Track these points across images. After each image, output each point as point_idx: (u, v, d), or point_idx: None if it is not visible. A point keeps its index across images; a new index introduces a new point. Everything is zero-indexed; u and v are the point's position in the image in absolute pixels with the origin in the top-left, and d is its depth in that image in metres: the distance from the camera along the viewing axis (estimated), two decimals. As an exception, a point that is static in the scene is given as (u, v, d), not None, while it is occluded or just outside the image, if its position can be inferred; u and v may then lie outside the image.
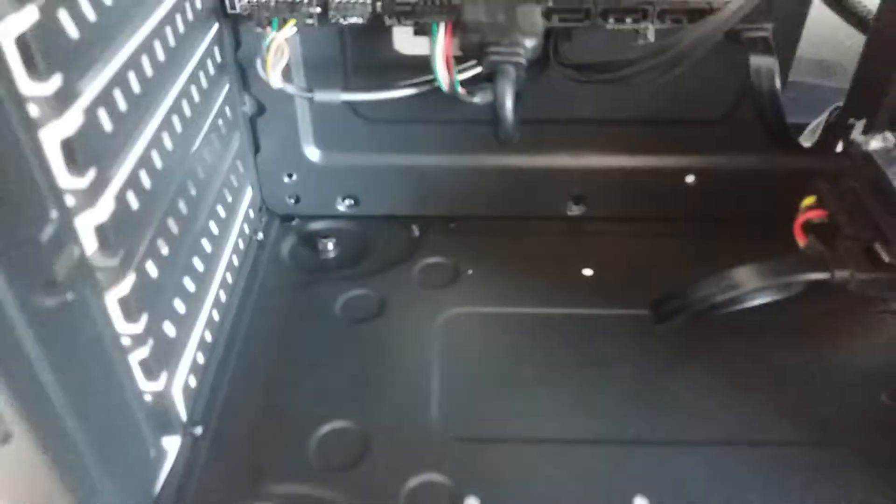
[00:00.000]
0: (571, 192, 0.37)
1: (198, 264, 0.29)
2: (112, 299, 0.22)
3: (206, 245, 0.30)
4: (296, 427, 0.27)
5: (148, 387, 0.24)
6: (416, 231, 0.38)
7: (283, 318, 0.33)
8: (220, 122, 0.32)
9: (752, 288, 0.25)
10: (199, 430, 0.27)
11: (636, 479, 0.25)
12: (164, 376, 0.25)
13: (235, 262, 0.34)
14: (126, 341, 0.23)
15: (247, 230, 0.36)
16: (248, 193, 0.36)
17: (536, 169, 0.37)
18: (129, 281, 0.22)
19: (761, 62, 0.30)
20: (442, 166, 0.37)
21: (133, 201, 0.23)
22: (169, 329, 0.26)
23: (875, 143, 0.25)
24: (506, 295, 0.34)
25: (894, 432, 0.27)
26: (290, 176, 0.37)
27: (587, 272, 0.34)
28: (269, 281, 0.35)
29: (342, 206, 0.38)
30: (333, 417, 0.28)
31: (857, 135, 0.27)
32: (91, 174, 0.20)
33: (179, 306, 0.27)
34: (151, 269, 0.24)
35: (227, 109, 0.33)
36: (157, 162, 0.25)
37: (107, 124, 0.22)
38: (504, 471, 0.26)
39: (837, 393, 0.28)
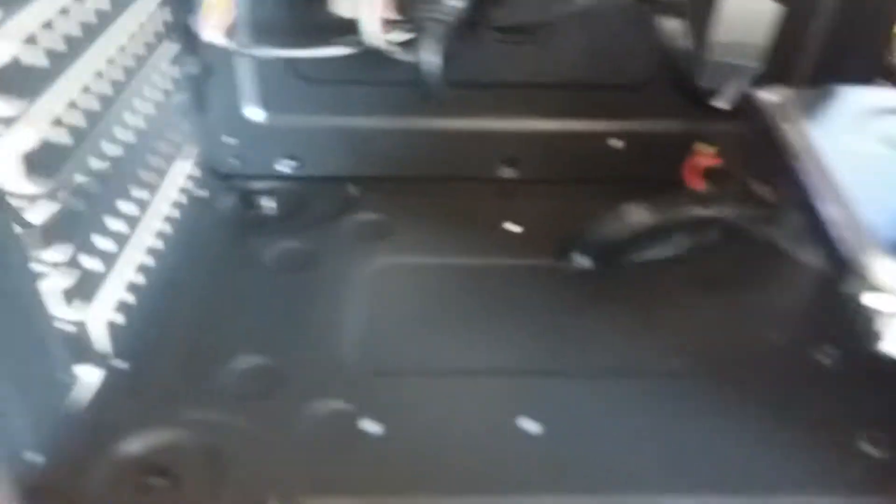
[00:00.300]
0: (503, 154, 0.39)
1: (128, 208, 0.30)
2: (29, 221, 0.23)
3: (139, 192, 0.31)
4: (216, 363, 0.29)
5: (63, 313, 0.25)
6: (352, 190, 0.39)
7: (217, 267, 0.34)
8: (164, 79, 0.33)
9: (641, 222, 0.27)
10: (123, 365, 0.28)
11: (528, 404, 0.27)
12: (80, 306, 0.26)
13: (176, 214, 0.35)
14: (40, 266, 0.24)
15: (190, 186, 0.37)
16: (192, 151, 0.37)
17: (469, 132, 0.38)
18: (49, 209, 0.24)
19: (673, 25, 0.31)
20: (379, 128, 0.38)
21: (62, 136, 0.24)
22: (89, 263, 0.27)
23: (768, 96, 0.27)
24: (434, 248, 0.35)
25: (779, 368, 0.28)
26: (232, 136, 0.39)
27: (515, 228, 0.36)
28: (208, 234, 0.36)
29: (283, 167, 0.40)
30: (253, 353, 0.29)
31: (752, 89, 0.28)
32: (16, 105, 0.22)
33: (105, 244, 0.28)
34: (74, 202, 0.25)
35: (172, 68, 0.34)
36: (93, 104, 0.26)
37: (40, 59, 0.23)
38: (410, 400, 0.27)
39: (732, 333, 0.30)
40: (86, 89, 0.26)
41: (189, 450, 0.25)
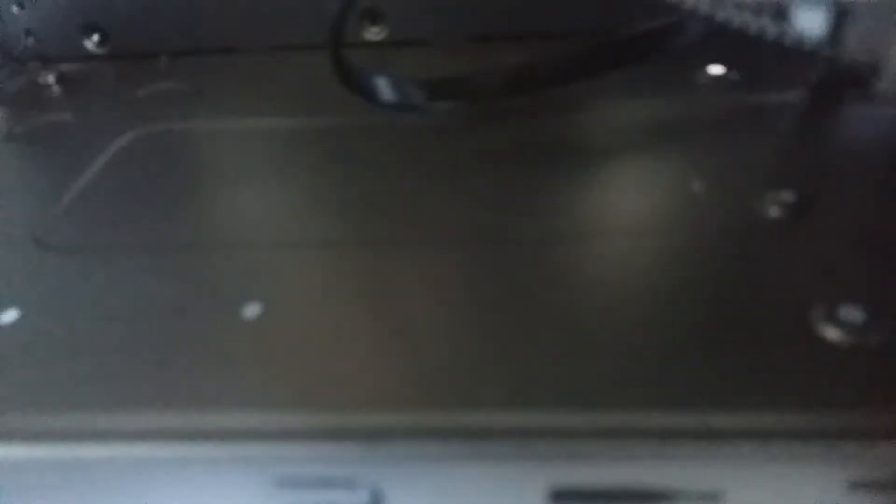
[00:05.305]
0: (361, 6, 0.29)
1: None
2: None
3: None
4: None
5: None
6: (164, 61, 0.30)
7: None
8: None
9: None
10: None
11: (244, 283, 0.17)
12: None
13: None
14: None
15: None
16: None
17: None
18: None
19: None
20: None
21: None
22: None
23: None
24: (235, 113, 0.25)
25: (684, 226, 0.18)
26: (20, 5, 0.30)
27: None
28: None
29: (89, 44, 0.31)
30: None
31: None
32: None
33: None
34: None
35: None
36: None
37: None
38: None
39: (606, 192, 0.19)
40: None
41: None
